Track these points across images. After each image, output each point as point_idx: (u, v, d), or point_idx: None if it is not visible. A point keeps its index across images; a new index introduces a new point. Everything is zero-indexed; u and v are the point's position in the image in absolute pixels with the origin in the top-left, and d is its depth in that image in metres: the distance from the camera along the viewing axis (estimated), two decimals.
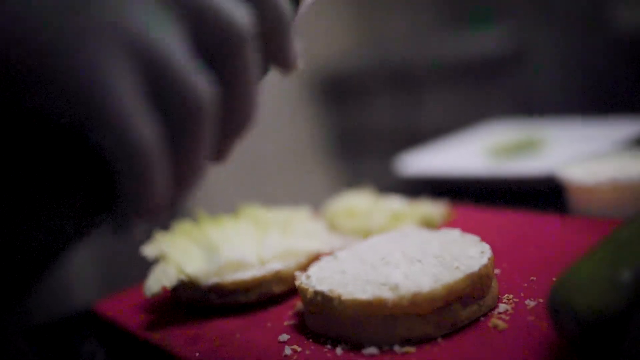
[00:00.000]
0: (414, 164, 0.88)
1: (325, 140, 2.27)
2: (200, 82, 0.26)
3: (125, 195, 0.26)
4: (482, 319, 0.40)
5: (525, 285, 0.44)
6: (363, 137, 2.17)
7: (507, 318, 0.40)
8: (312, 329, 0.43)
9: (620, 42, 1.55)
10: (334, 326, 0.41)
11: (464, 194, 0.75)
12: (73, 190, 0.26)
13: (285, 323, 0.45)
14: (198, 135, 0.27)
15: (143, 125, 0.25)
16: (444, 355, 0.37)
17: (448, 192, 0.75)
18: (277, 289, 0.49)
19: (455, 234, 0.47)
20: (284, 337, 0.43)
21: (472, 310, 0.40)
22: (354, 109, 2.18)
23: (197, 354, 0.43)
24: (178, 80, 0.26)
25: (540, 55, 1.73)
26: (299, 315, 0.46)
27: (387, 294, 0.38)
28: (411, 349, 0.38)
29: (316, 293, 0.41)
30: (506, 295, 0.43)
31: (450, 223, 0.61)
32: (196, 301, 0.49)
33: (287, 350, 0.41)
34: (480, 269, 0.40)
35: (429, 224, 0.60)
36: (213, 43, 0.27)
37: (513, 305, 0.41)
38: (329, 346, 0.40)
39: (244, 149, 0.47)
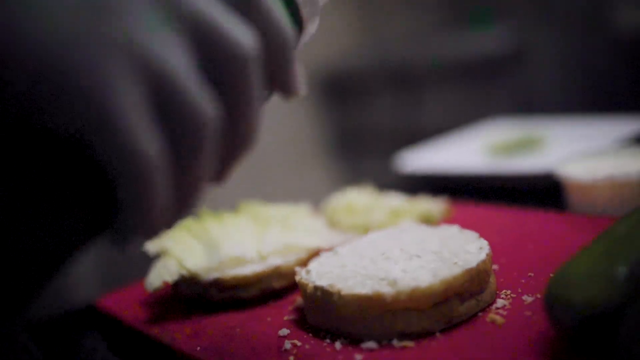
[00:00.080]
0: (414, 162, 0.88)
1: (325, 138, 2.27)
2: (205, 102, 0.27)
3: (125, 209, 0.27)
4: (480, 314, 0.41)
5: (523, 281, 0.44)
6: (363, 135, 2.18)
7: (505, 313, 0.40)
8: (311, 323, 0.43)
9: (620, 42, 1.55)
10: (334, 321, 0.41)
11: (463, 192, 0.76)
12: (75, 202, 0.26)
13: (285, 318, 0.46)
14: (200, 154, 0.27)
15: (147, 142, 0.25)
16: (442, 349, 0.37)
17: (448, 189, 0.75)
18: (277, 284, 0.50)
19: (454, 230, 0.48)
20: (284, 331, 0.43)
21: (470, 305, 0.40)
22: (354, 108, 2.18)
23: (198, 348, 0.43)
24: (183, 99, 0.26)
25: (540, 55, 1.73)
26: (299, 310, 0.46)
27: (386, 289, 0.39)
28: (409, 344, 0.38)
29: (316, 288, 0.42)
30: (504, 290, 0.43)
31: (449, 220, 0.62)
32: (197, 296, 0.50)
33: (287, 345, 0.41)
34: (478, 265, 0.41)
35: (428, 221, 0.60)
36: (218, 63, 0.28)
37: (511, 300, 0.42)
38: (328, 340, 0.41)
39: None
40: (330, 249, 0.53)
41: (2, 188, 0.25)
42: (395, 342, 0.39)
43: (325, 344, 0.40)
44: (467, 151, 0.92)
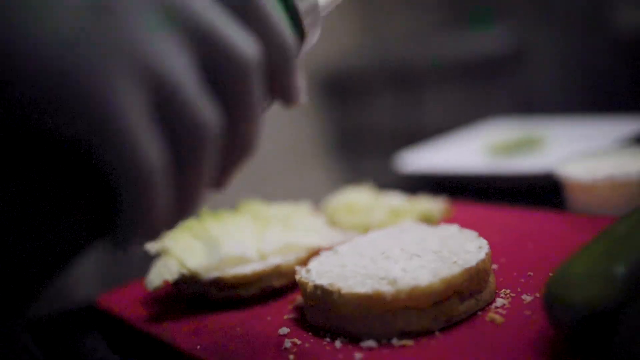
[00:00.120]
0: (414, 162, 0.88)
1: (326, 138, 2.28)
2: (206, 109, 0.27)
3: (126, 211, 0.27)
4: (479, 313, 0.41)
5: (523, 280, 0.44)
6: (363, 135, 2.18)
7: (504, 312, 0.40)
8: (311, 322, 0.43)
9: (620, 42, 1.55)
10: (333, 319, 0.41)
11: (463, 192, 0.76)
12: (75, 204, 0.27)
13: (285, 317, 0.46)
14: (201, 158, 0.27)
15: (149, 147, 0.26)
16: (441, 348, 0.37)
17: (448, 189, 0.75)
18: (277, 283, 0.50)
19: (453, 229, 0.48)
20: (284, 330, 0.43)
21: (470, 304, 0.40)
22: (354, 108, 2.19)
23: (198, 347, 0.43)
24: (185, 106, 0.26)
25: (540, 55, 1.73)
26: (299, 309, 0.46)
27: (386, 288, 0.39)
28: (409, 342, 0.38)
29: (316, 287, 0.42)
30: (503, 290, 0.43)
31: (449, 219, 0.62)
32: (197, 295, 0.50)
33: (287, 343, 0.41)
34: (477, 264, 0.41)
35: (428, 220, 0.61)
36: (219, 68, 0.28)
37: (510, 300, 0.42)
38: (328, 339, 0.41)
39: None
40: (330, 248, 0.53)
41: (4, 190, 0.25)
42: (395, 341, 0.39)
43: (325, 343, 0.40)
44: (467, 151, 0.92)
